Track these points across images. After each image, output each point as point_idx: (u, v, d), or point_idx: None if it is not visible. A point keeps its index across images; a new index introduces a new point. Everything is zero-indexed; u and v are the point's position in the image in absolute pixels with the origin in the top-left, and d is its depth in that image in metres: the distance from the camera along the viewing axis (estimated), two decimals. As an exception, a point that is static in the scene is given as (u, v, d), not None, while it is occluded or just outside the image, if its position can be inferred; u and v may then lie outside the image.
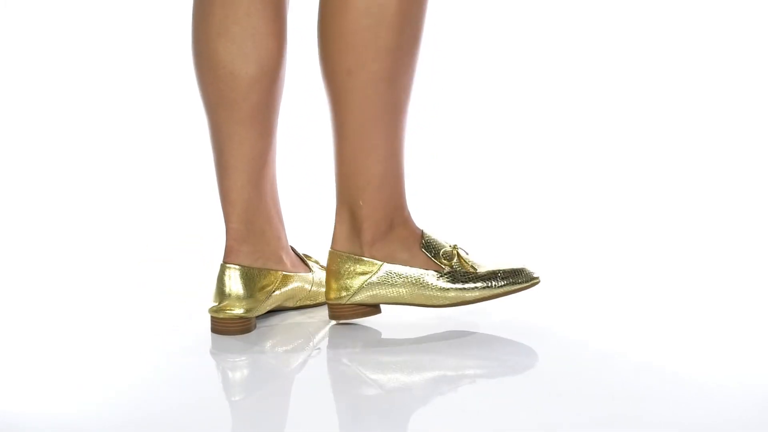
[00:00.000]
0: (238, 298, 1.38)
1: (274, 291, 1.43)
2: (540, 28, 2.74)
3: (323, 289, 1.49)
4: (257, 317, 1.45)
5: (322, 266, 1.53)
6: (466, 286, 1.37)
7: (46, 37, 2.64)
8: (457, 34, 2.69)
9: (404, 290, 1.37)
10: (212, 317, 1.39)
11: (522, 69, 2.73)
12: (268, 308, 1.43)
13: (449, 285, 1.37)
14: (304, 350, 1.36)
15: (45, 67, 2.65)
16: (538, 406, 1.10)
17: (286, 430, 1.08)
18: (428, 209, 1.76)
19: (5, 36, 2.64)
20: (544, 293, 1.53)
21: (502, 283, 1.38)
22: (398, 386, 1.23)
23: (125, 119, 2.65)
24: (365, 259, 1.37)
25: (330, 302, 1.39)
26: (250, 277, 1.39)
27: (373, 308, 1.39)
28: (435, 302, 1.37)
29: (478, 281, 1.37)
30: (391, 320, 1.43)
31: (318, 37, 1.37)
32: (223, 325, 1.38)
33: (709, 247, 1.98)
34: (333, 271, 1.38)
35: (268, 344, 1.37)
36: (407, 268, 1.37)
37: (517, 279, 1.38)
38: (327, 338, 1.39)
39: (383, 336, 1.39)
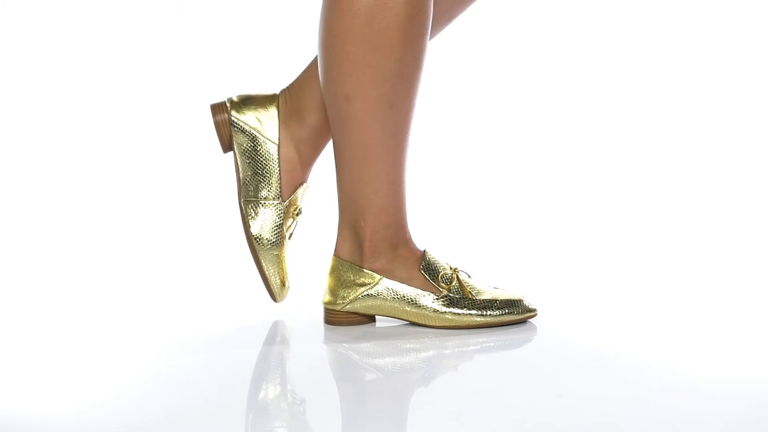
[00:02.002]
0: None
1: None
2: (540, 49, 2.75)
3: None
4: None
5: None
6: (462, 311, 1.38)
7: (46, 37, 2.64)
8: (457, 51, 2.69)
9: (400, 306, 1.38)
10: None
11: (525, 84, 2.74)
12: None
13: (445, 308, 1.38)
14: (302, 344, 1.37)
15: (45, 67, 2.65)
16: (537, 407, 1.10)
17: (290, 424, 1.08)
18: (432, 223, 1.77)
19: (5, 36, 2.64)
20: (545, 293, 1.53)
21: (498, 313, 1.38)
22: (396, 369, 1.25)
23: (125, 119, 2.65)
24: (365, 271, 1.38)
25: (326, 306, 1.41)
26: None
27: (367, 318, 1.41)
28: (430, 322, 1.39)
29: (474, 308, 1.38)
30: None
31: (318, 60, 1.37)
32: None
33: (708, 248, 1.99)
34: (333, 276, 1.40)
35: (266, 340, 1.37)
36: (405, 286, 1.38)
37: (513, 310, 1.39)
38: (323, 330, 1.41)
39: (378, 326, 1.42)
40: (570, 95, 2.70)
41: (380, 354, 1.30)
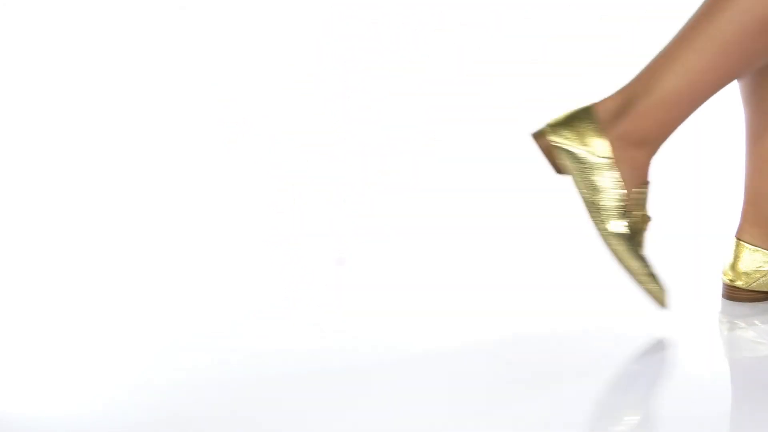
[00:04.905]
0: (731, 268, 1.49)
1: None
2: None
3: None
4: None
5: None
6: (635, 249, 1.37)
7: (46, 37, 2.64)
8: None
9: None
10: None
11: (524, 84, 2.73)
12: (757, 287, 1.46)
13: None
14: (303, 344, 1.37)
15: (45, 67, 2.65)
16: (537, 406, 1.10)
17: (290, 424, 1.08)
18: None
19: (5, 36, 2.64)
20: (545, 293, 1.53)
21: (652, 280, 1.36)
22: (397, 369, 1.25)
23: (124, 119, 2.66)
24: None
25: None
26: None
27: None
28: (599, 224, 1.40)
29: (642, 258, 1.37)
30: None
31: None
32: (732, 293, 1.47)
33: (708, 248, 1.98)
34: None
35: (265, 340, 1.37)
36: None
37: (655, 291, 1.36)
38: (323, 334, 1.40)
39: (378, 326, 1.41)
40: (569, 96, 2.70)
41: (382, 353, 1.30)
